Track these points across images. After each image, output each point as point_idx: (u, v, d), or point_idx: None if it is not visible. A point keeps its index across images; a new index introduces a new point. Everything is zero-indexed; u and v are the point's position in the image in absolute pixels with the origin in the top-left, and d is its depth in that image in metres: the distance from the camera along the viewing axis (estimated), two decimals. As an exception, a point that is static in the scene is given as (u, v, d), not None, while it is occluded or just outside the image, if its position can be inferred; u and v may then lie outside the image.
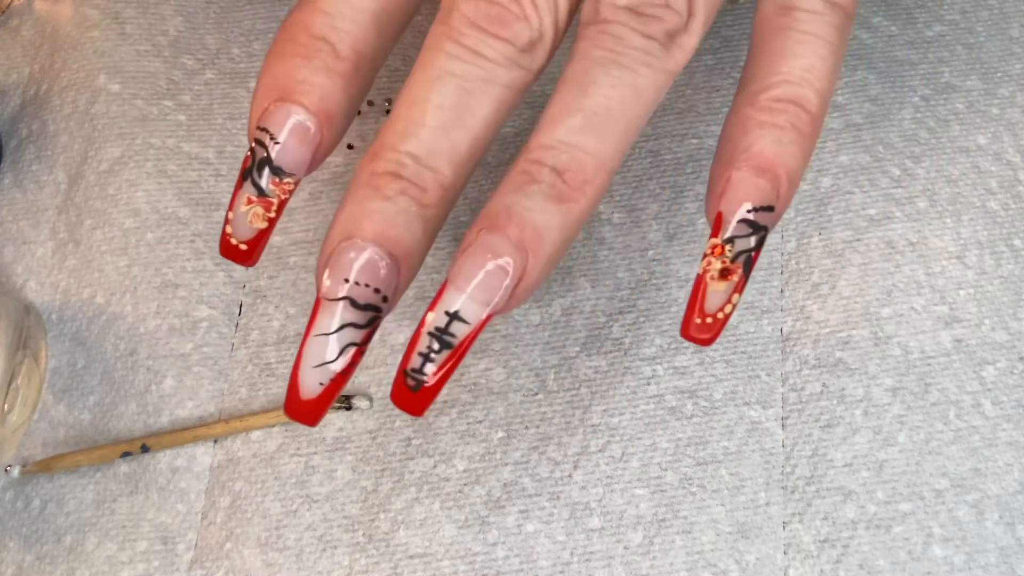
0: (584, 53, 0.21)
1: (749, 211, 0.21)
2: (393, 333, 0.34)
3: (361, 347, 0.21)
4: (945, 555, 0.31)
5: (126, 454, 0.33)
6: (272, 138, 0.21)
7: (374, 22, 0.22)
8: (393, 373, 0.31)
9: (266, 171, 0.21)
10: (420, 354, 0.21)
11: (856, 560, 0.31)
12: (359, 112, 0.37)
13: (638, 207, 0.36)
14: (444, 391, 0.33)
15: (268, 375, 0.34)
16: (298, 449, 0.33)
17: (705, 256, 0.21)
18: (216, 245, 0.36)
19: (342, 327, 0.20)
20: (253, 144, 0.22)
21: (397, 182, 0.20)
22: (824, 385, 0.33)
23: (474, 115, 0.21)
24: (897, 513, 0.31)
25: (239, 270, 0.36)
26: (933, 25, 0.38)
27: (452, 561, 0.32)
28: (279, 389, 0.34)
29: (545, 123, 0.21)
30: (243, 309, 0.35)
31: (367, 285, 0.20)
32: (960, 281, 0.34)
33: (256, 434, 0.34)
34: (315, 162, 0.22)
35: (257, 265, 0.36)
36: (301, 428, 0.33)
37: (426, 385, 0.21)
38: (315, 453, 0.33)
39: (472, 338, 0.21)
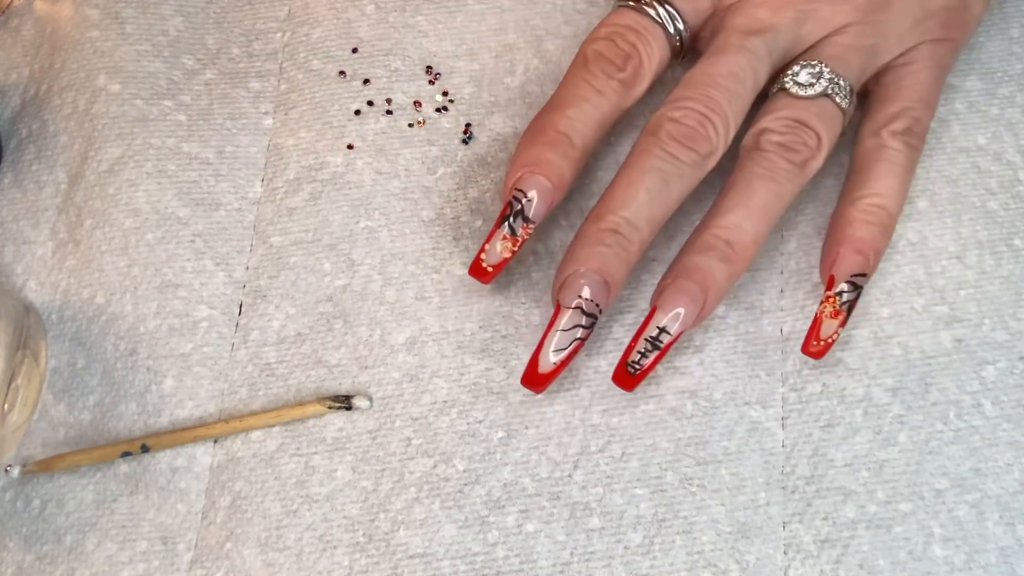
0: (748, 169, 0.31)
1: (852, 276, 0.31)
2: (393, 333, 0.34)
3: (582, 341, 0.31)
4: (945, 555, 0.31)
5: (126, 454, 0.33)
6: (526, 197, 0.31)
7: (598, 127, 0.32)
8: (393, 373, 0.34)
9: (519, 219, 0.31)
10: (639, 351, 0.31)
11: (856, 560, 0.31)
12: (358, 112, 0.38)
13: (638, 207, 0.35)
14: (446, 392, 0.34)
15: (268, 375, 0.34)
16: (298, 449, 0.33)
17: (822, 302, 0.32)
18: (216, 245, 0.36)
19: (573, 327, 0.30)
20: (511, 199, 0.31)
21: (614, 236, 0.30)
22: (824, 385, 0.33)
23: (668, 196, 0.31)
24: (897, 513, 0.31)
25: (239, 270, 0.36)
26: (933, 25, 0.38)
27: (452, 561, 0.32)
28: (279, 389, 0.34)
29: (720, 210, 0.31)
30: (243, 309, 0.35)
31: (590, 300, 0.30)
32: (960, 281, 0.34)
33: (256, 434, 0.34)
34: (546, 214, 0.32)
35: (257, 265, 0.36)
36: (301, 428, 0.33)
37: (640, 372, 0.31)
38: (315, 453, 0.33)
39: (671, 345, 0.30)
